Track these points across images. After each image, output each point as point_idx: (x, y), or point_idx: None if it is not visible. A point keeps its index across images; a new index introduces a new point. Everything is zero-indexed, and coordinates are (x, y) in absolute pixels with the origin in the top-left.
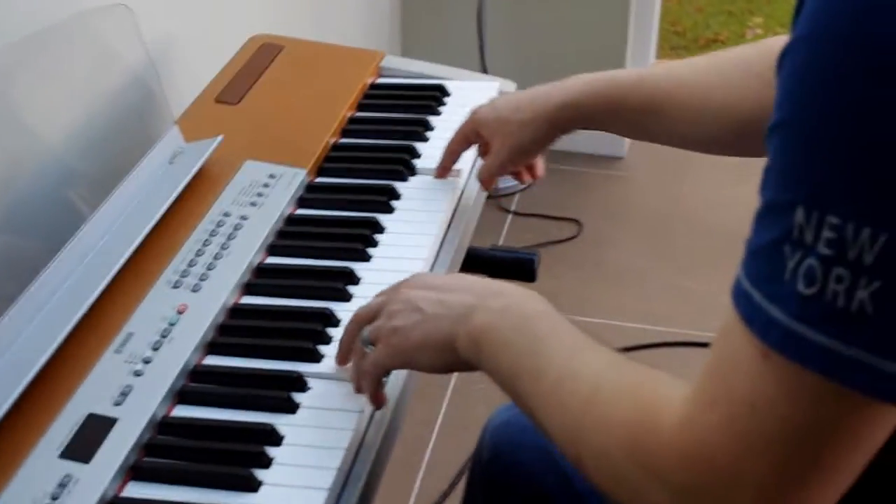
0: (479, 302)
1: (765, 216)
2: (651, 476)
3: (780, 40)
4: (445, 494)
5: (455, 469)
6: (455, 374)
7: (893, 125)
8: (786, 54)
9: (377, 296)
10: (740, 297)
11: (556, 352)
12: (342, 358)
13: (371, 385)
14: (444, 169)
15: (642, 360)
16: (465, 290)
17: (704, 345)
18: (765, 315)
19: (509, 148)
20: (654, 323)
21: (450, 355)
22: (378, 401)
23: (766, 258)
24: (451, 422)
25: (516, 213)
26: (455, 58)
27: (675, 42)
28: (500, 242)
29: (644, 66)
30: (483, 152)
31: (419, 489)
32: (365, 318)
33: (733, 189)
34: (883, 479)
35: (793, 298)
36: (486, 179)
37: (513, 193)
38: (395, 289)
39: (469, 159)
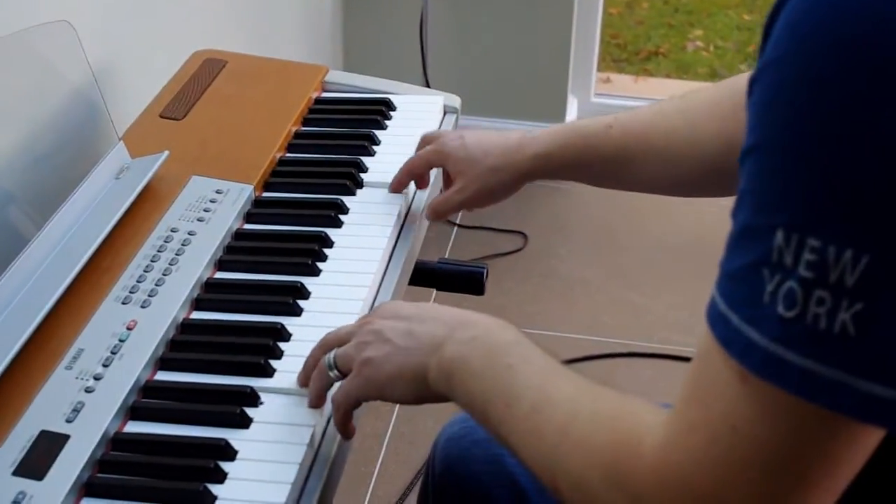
0: (448, 333)
1: (741, 239)
2: (631, 502)
3: (745, 77)
4: None
5: (405, 482)
6: None
7: (869, 144)
8: (756, 80)
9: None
10: (717, 320)
11: (528, 379)
12: (305, 379)
13: (342, 416)
14: (400, 184)
15: (589, 371)
16: (434, 320)
17: (651, 356)
18: (743, 338)
19: (476, 191)
20: (600, 334)
21: (422, 387)
22: (348, 432)
23: (743, 281)
24: (400, 435)
25: (461, 226)
26: (397, 72)
27: (617, 55)
28: (446, 255)
29: (587, 77)
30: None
31: (369, 502)
32: (332, 343)
33: (678, 201)
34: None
35: (772, 321)
36: (441, 213)
37: None
38: (367, 318)
39: None
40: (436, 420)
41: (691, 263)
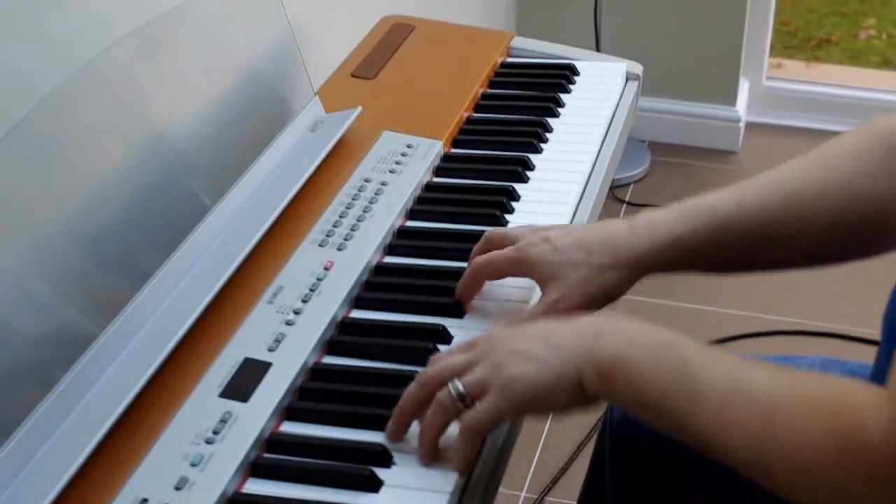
0: (598, 335)
1: None
2: (865, 482)
3: (887, 119)
4: (563, 469)
5: (573, 445)
6: None
7: None
8: None
9: (452, 354)
10: None
11: (711, 372)
12: (397, 431)
13: (475, 444)
14: (468, 293)
15: (748, 348)
16: (574, 329)
17: (810, 333)
18: None
19: (582, 297)
20: (760, 311)
21: (577, 395)
22: (469, 464)
23: None
24: None
25: (630, 204)
26: (570, 42)
27: (788, 42)
28: None
29: (759, 61)
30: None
31: (537, 462)
32: (440, 378)
33: None
34: None
35: None
36: None
37: (627, 184)
38: (486, 344)
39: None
40: None
41: None
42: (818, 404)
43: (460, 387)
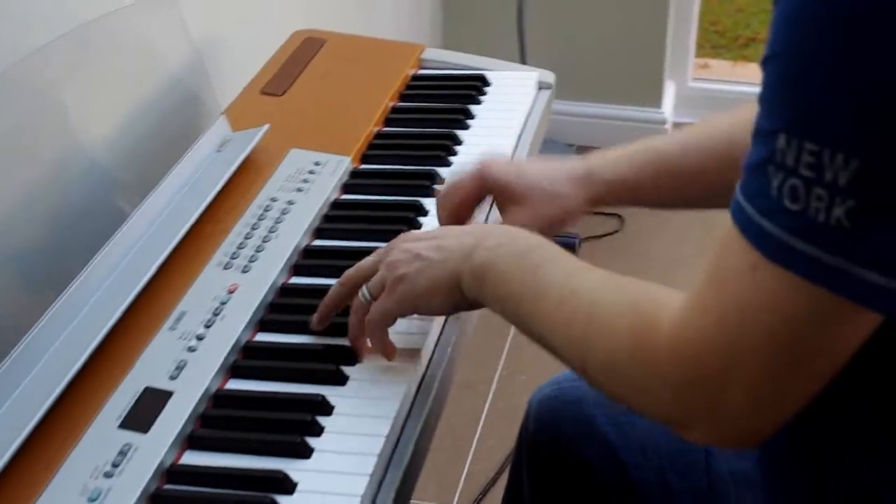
0: (476, 242)
1: (755, 138)
2: (652, 375)
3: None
4: (493, 481)
5: (502, 456)
6: (500, 366)
7: (864, 63)
8: None
9: (369, 257)
10: (736, 210)
11: (554, 276)
12: (319, 319)
13: (382, 335)
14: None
15: None
16: (461, 233)
17: None
18: (757, 227)
19: (545, 217)
20: None
21: (456, 296)
22: (389, 351)
23: (756, 176)
24: (496, 412)
25: None
26: (495, 51)
27: (715, 41)
28: None
29: (684, 62)
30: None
31: (466, 475)
32: (356, 278)
33: None
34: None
35: (781, 213)
36: None
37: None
38: (389, 246)
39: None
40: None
41: None
42: (631, 304)
43: (366, 291)
